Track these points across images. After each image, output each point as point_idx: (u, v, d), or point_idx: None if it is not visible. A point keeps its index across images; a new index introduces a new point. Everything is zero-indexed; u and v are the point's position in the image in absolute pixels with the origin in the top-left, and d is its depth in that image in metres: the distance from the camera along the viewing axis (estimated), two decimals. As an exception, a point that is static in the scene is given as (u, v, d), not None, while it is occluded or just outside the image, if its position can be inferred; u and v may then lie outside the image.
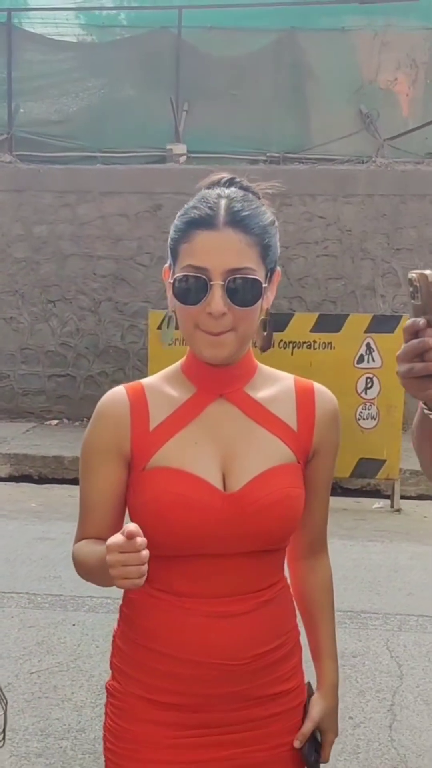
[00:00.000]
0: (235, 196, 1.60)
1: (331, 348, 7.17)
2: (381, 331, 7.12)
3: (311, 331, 7.19)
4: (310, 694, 1.81)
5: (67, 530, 5.94)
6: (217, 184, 1.67)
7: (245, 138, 10.47)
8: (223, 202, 1.59)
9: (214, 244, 1.55)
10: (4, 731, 2.14)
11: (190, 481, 1.61)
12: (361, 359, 7.15)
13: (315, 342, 7.16)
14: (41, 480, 8.31)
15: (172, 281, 1.60)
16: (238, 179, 1.68)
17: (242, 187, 1.65)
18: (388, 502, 7.22)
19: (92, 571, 1.66)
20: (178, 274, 1.58)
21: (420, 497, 7.65)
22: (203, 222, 1.56)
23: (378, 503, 7.25)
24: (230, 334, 1.58)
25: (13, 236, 10.29)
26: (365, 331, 7.15)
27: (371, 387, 7.16)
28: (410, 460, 7.12)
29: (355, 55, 10.67)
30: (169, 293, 1.64)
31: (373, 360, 7.15)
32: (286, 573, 1.81)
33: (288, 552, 1.79)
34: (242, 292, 1.56)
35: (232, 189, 1.64)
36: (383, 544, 6.11)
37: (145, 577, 1.44)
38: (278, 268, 1.66)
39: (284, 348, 7.12)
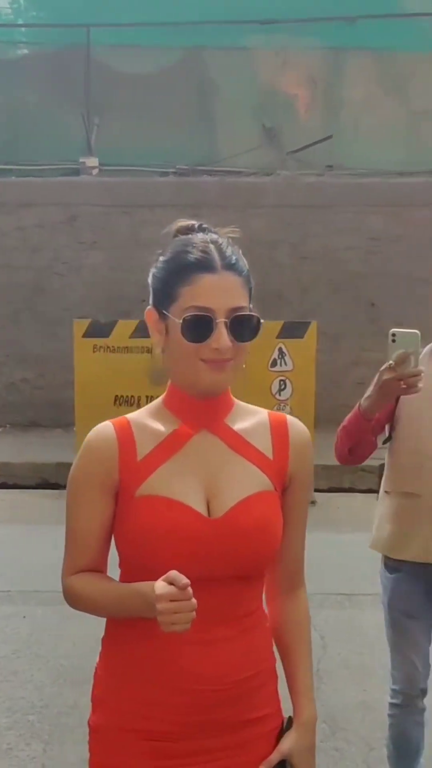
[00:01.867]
0: (221, 242, 1.77)
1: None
2: (292, 337, 7.68)
3: (227, 337, 7.68)
4: (288, 727, 1.87)
5: (4, 531, 6.29)
6: (191, 230, 1.82)
7: (155, 151, 10.88)
8: (212, 247, 1.74)
9: (216, 286, 1.70)
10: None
11: (177, 508, 1.72)
12: (274, 363, 7.68)
13: (231, 348, 7.65)
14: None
15: (180, 321, 1.71)
16: (205, 225, 1.84)
17: (213, 233, 1.81)
18: (302, 495, 7.75)
19: (106, 607, 1.78)
20: (187, 315, 1.70)
21: (330, 490, 8.18)
22: (203, 266, 1.71)
23: (293, 496, 7.77)
24: (231, 364, 1.75)
25: None
26: (277, 337, 7.68)
27: (284, 389, 7.70)
28: (321, 456, 7.68)
29: (258, 72, 11.20)
30: (157, 332, 1.80)
31: (285, 364, 7.69)
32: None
33: (267, 587, 1.92)
34: (243, 328, 1.73)
35: (212, 235, 1.80)
36: (302, 533, 6.63)
37: (191, 623, 1.58)
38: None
39: (202, 354, 7.60)
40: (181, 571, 1.60)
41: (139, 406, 7.73)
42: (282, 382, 7.69)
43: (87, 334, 7.75)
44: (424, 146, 11.18)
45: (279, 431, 1.86)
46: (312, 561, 6.15)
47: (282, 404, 7.65)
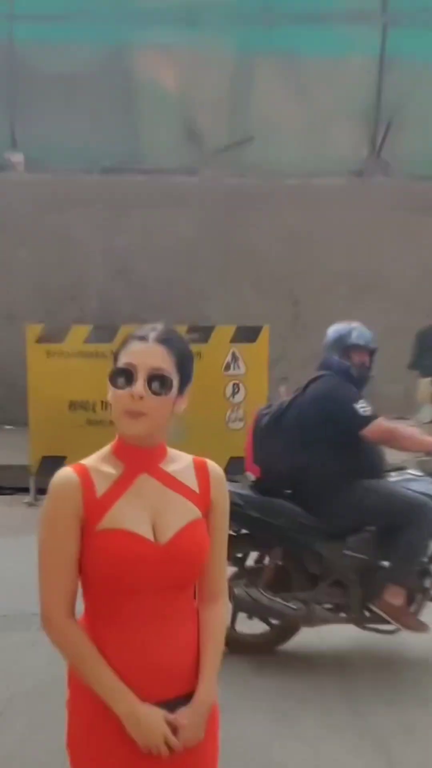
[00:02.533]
0: (161, 327, 2.18)
1: (200, 357, 7.77)
2: (244, 341, 7.89)
3: (181, 342, 7.81)
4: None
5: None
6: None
7: (79, 149, 10.85)
8: (152, 328, 2.17)
9: (142, 351, 2.12)
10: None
11: (133, 538, 2.11)
12: (227, 367, 7.88)
13: (186, 352, 7.78)
14: None
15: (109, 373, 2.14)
16: (166, 326, 2.24)
17: (169, 329, 2.21)
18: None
19: (83, 671, 2.13)
20: (114, 367, 2.13)
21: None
22: (138, 337, 2.15)
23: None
24: (144, 417, 2.11)
25: None
26: (231, 341, 7.88)
27: (238, 392, 7.91)
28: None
29: (180, 72, 11.28)
30: (109, 397, 2.17)
31: (238, 368, 7.90)
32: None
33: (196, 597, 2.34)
34: (158, 384, 2.10)
35: (161, 325, 2.20)
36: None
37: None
38: (189, 387, 2.20)
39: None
40: (138, 586, 2.11)
41: (95, 411, 7.70)
42: (235, 386, 7.89)
43: (40, 340, 7.73)
44: (342, 148, 11.54)
45: (200, 470, 2.28)
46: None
47: (235, 407, 7.87)
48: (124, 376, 2.11)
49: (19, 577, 5.74)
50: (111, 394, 2.15)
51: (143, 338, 2.13)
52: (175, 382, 2.14)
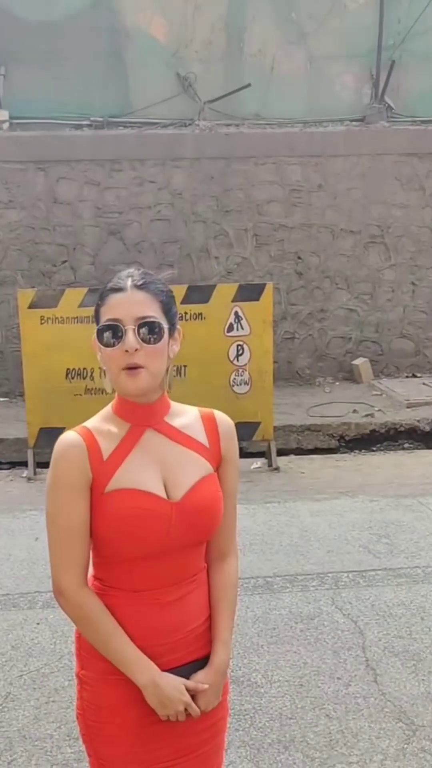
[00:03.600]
0: (136, 272, 2.11)
1: (201, 319, 7.40)
2: (247, 300, 7.45)
3: (181, 303, 7.39)
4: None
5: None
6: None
7: (67, 103, 10.36)
8: (125, 274, 2.10)
9: (123, 302, 2.04)
10: None
11: (144, 496, 2.06)
12: (230, 328, 7.45)
13: (186, 313, 7.34)
14: None
15: (95, 333, 2.07)
16: (140, 269, 2.17)
17: (143, 271, 2.14)
18: (264, 461, 7.63)
19: (98, 640, 2.07)
20: (100, 325, 2.06)
21: (278, 453, 7.99)
22: (114, 289, 2.07)
23: (256, 463, 7.63)
24: (143, 371, 2.04)
25: None
26: (233, 301, 7.45)
27: (242, 354, 7.49)
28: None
29: (170, 18, 10.71)
30: (97, 352, 2.12)
31: (242, 328, 7.47)
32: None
33: (205, 555, 2.26)
34: (148, 332, 2.03)
35: (134, 269, 2.14)
36: (281, 504, 6.51)
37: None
38: (179, 327, 2.15)
39: (156, 321, 7.29)
40: (152, 548, 2.05)
41: (93, 380, 7.36)
42: (239, 347, 7.47)
43: (33, 305, 7.31)
44: (342, 92, 11.04)
45: (209, 423, 2.21)
46: (304, 535, 5.98)
47: (240, 370, 7.46)
48: (111, 332, 2.04)
49: (21, 554, 5.57)
50: (101, 355, 2.08)
51: (120, 289, 2.05)
52: (165, 326, 2.06)
